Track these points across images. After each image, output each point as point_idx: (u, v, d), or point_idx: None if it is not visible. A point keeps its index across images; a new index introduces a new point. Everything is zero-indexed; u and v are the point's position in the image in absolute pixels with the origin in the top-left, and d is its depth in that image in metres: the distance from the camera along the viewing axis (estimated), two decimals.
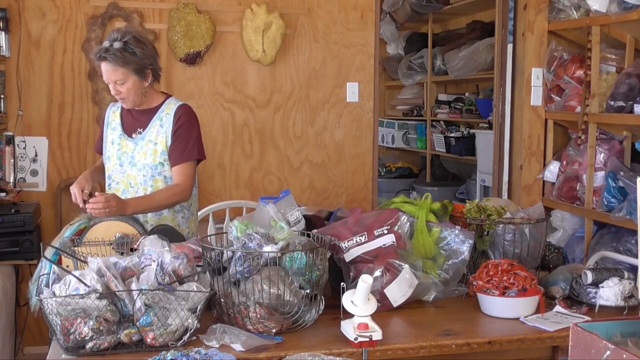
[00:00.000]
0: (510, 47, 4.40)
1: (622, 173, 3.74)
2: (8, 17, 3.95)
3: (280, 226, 2.26)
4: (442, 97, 6.50)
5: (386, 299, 2.30)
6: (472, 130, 5.94)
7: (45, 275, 2.14)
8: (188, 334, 1.96)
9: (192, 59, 4.22)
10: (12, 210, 3.68)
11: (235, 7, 4.33)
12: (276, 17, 4.25)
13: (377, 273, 2.29)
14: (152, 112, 2.90)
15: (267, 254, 2.10)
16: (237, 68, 4.37)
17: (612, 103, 3.74)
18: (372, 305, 2.04)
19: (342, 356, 1.89)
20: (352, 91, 4.54)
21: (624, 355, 1.30)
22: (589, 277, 2.41)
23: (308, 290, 2.12)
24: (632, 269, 2.66)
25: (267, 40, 4.25)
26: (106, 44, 2.75)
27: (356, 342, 1.95)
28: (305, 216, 2.57)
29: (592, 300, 2.38)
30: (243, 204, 3.74)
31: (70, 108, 4.14)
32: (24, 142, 4.07)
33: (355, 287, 2.06)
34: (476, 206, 2.68)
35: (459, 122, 6.23)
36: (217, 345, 1.95)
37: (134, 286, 1.94)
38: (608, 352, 1.33)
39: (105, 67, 2.75)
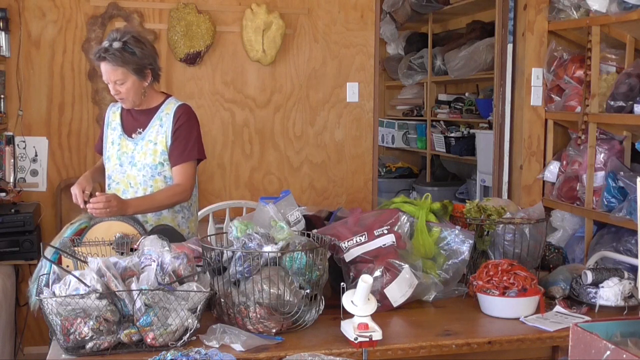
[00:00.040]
0: (510, 47, 4.40)
1: (622, 173, 3.74)
2: (8, 17, 3.95)
3: (280, 226, 2.26)
4: (442, 97, 6.50)
5: (386, 299, 2.30)
6: (472, 130, 5.93)
7: (45, 275, 2.14)
8: (188, 334, 1.96)
9: (192, 59, 4.22)
10: (12, 210, 3.68)
11: (235, 7, 4.32)
12: (276, 17, 4.25)
13: (377, 273, 2.29)
14: (152, 112, 2.90)
15: (267, 254, 2.10)
16: (237, 68, 4.37)
17: (612, 103, 3.74)
18: (372, 305, 2.04)
19: (342, 356, 1.89)
20: (352, 91, 4.54)
21: (624, 355, 1.30)
22: (589, 277, 2.41)
23: (308, 290, 2.12)
24: (632, 269, 2.66)
25: (267, 40, 4.25)
26: (106, 44, 2.75)
27: (356, 342, 1.95)
28: (305, 216, 2.57)
29: (592, 300, 2.38)
30: (243, 204, 3.74)
31: (70, 108, 4.14)
32: (24, 142, 4.07)
33: (355, 287, 2.05)
34: (476, 206, 2.68)
35: (459, 122, 6.22)
36: (217, 345, 1.95)
37: (134, 286, 1.94)
38: (608, 352, 1.33)
39: (104, 67, 2.75)
